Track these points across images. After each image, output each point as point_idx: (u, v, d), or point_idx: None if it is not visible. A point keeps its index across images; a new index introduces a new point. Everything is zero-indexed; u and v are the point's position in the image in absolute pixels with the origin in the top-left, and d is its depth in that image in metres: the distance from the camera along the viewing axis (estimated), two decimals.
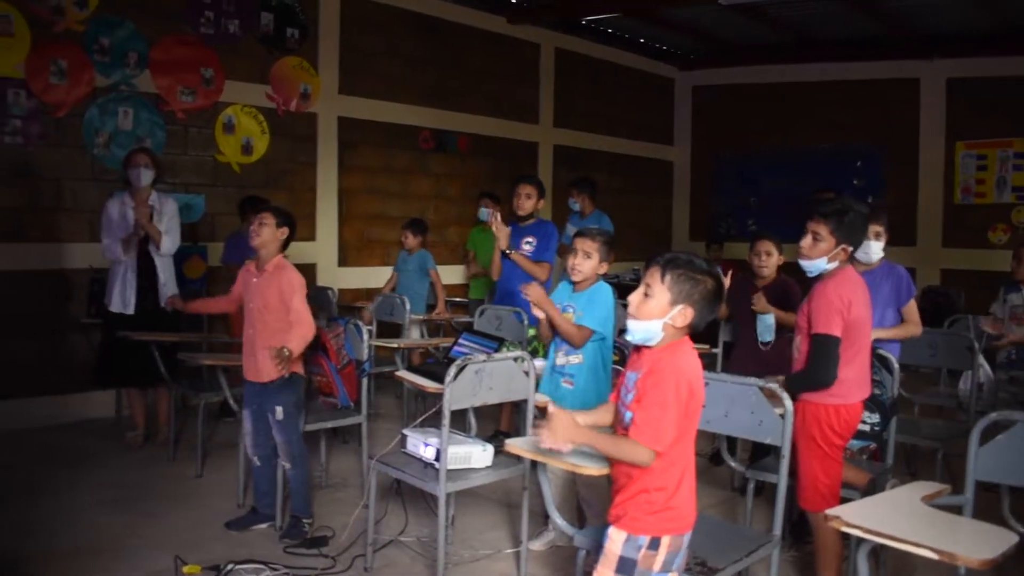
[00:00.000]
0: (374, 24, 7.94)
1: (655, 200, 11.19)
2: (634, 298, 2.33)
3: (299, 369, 4.08)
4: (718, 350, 5.69)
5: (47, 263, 6.03)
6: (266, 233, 3.97)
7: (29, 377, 5.98)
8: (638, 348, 2.38)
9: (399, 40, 8.14)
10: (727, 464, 4.09)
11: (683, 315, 2.27)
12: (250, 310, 4.02)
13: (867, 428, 3.88)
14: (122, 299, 5.32)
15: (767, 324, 4.64)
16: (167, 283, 5.46)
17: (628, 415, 2.30)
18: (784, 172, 10.49)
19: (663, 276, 2.29)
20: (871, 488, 3.48)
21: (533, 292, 3.72)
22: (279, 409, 3.97)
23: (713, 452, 5.32)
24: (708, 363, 5.91)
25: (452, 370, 3.38)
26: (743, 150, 10.88)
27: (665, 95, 11.28)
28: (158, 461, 5.15)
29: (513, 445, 2.82)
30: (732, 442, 3.92)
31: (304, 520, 4.03)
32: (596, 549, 2.47)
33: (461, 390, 3.43)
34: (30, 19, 5.85)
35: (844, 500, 3.19)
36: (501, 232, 5.15)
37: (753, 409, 3.09)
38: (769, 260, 4.76)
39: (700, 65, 11.03)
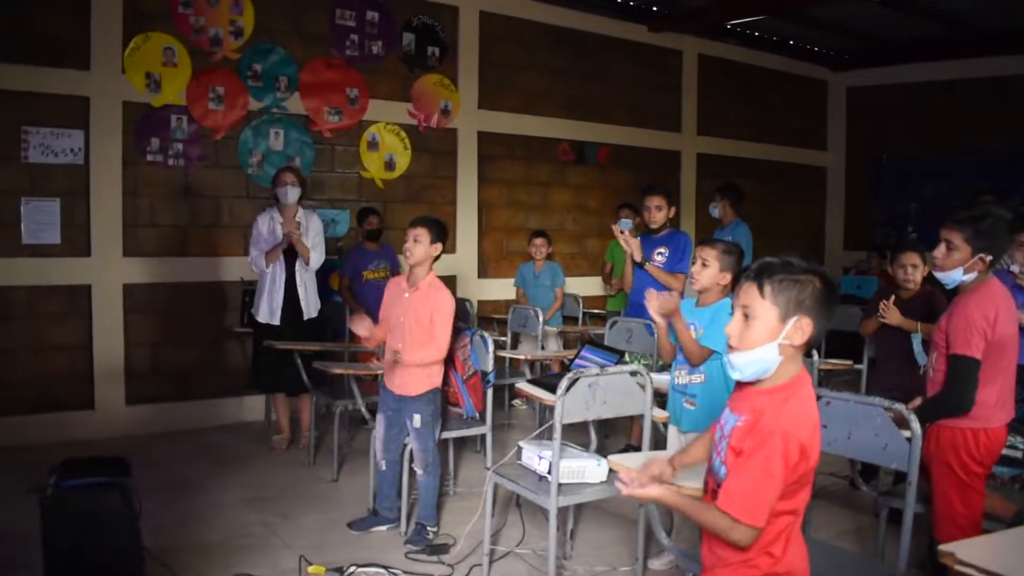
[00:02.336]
0: (513, 39, 8.06)
1: (807, 208, 10.73)
2: (732, 328, 1.97)
3: (438, 382, 4.18)
4: (862, 366, 5.41)
5: (206, 275, 6.48)
6: (420, 252, 4.03)
7: (190, 382, 6.45)
8: (740, 384, 2.04)
9: (538, 54, 8.23)
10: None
11: (800, 328, 1.91)
12: (400, 324, 4.10)
13: (1018, 454, 3.59)
14: (269, 309, 5.62)
15: (918, 342, 4.37)
16: (311, 296, 5.73)
17: (723, 471, 1.97)
18: (948, 176, 9.81)
19: (761, 290, 1.92)
20: (1018, 520, 3.20)
21: (661, 302, 3.58)
22: (417, 417, 4.09)
23: (859, 472, 5.04)
24: (851, 380, 5.69)
25: (563, 383, 3.37)
26: (903, 154, 10.27)
27: (817, 98, 10.82)
28: (298, 464, 5.42)
29: (615, 461, 2.78)
30: (872, 465, 3.70)
31: (429, 527, 4.13)
32: None
33: (574, 403, 3.42)
34: (191, 50, 6.32)
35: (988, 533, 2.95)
36: (632, 244, 5.11)
37: (877, 432, 2.91)
38: (915, 273, 4.49)
39: (854, 65, 10.49)
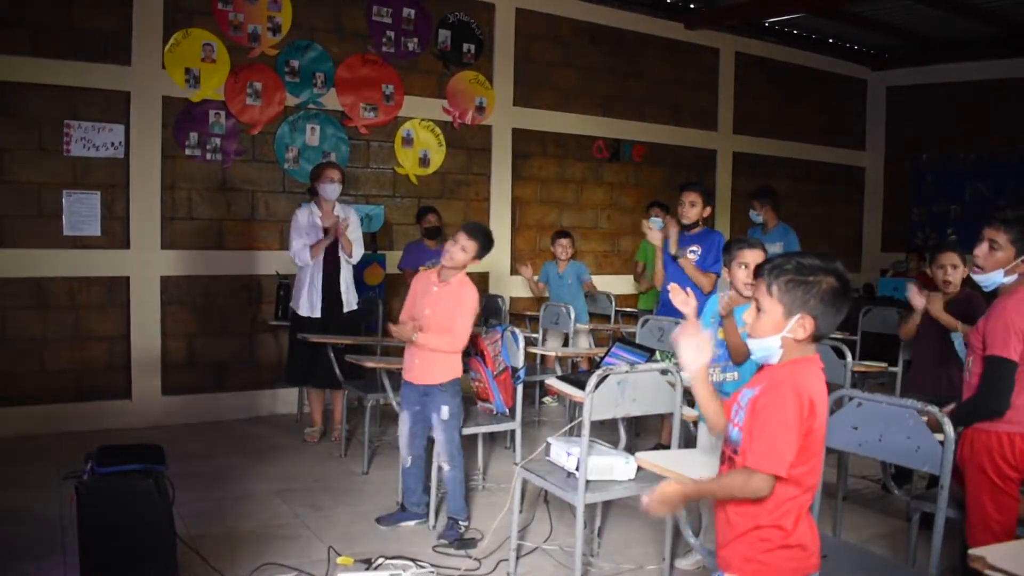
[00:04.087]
0: (549, 36, 8.05)
1: (844, 208, 10.59)
2: (748, 316, 2.18)
3: (460, 372, 4.21)
4: (898, 369, 5.35)
5: (241, 269, 6.56)
6: (461, 260, 4.09)
7: (224, 373, 6.54)
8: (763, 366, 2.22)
9: (574, 51, 8.21)
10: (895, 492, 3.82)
11: (802, 325, 2.07)
12: (425, 316, 4.14)
13: None
14: (309, 303, 5.67)
15: (960, 343, 4.29)
16: (351, 289, 5.80)
17: (735, 433, 2.13)
18: (990, 177, 9.65)
19: (769, 288, 2.10)
20: None
21: (723, 303, 3.61)
22: (445, 409, 4.11)
23: (892, 476, 4.98)
24: (886, 383, 5.63)
25: (593, 380, 3.37)
26: (943, 154, 10.11)
27: (855, 97, 10.67)
28: (330, 457, 5.47)
29: (644, 459, 2.78)
30: (906, 468, 3.65)
31: (460, 521, 4.15)
32: None
33: (603, 401, 3.41)
34: (230, 46, 6.41)
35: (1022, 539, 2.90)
36: (671, 233, 5.11)
37: (910, 434, 2.86)
38: (954, 273, 4.41)
39: (894, 64, 10.33)
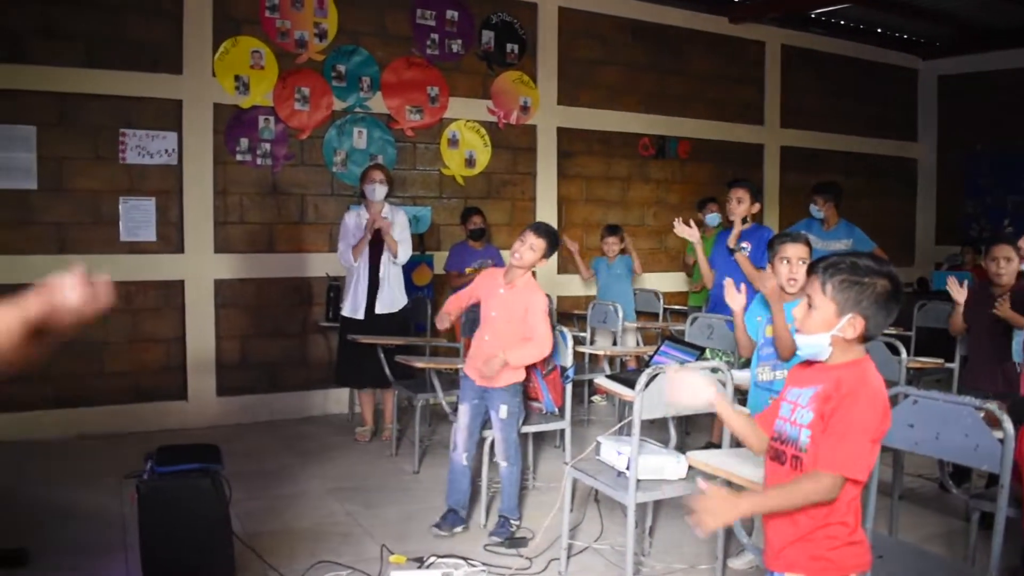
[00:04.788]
0: (592, 34, 8.04)
1: (896, 201, 10.39)
2: (798, 311, 2.16)
3: (521, 376, 4.22)
4: (954, 365, 5.24)
5: (292, 271, 6.67)
6: (529, 260, 4.05)
7: (277, 374, 6.66)
8: (808, 362, 2.21)
9: (617, 48, 8.19)
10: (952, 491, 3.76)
11: (852, 325, 2.06)
12: (492, 318, 4.14)
13: None
14: (353, 304, 5.74)
15: (1019, 340, 4.21)
16: (395, 290, 5.83)
17: (804, 435, 2.08)
18: None
19: (823, 286, 2.09)
20: None
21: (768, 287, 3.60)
22: (504, 408, 4.11)
23: (949, 475, 4.88)
24: (943, 379, 5.52)
25: (642, 379, 3.37)
26: (999, 144, 9.85)
27: (906, 87, 10.47)
28: (381, 456, 5.54)
29: (695, 458, 2.77)
30: (965, 466, 3.59)
31: (512, 520, 4.16)
32: None
33: (652, 399, 3.40)
34: (278, 53, 6.52)
35: None
36: (737, 225, 5.11)
37: (968, 432, 2.81)
38: (1008, 266, 4.32)
39: (946, 53, 10.10)
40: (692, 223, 5.23)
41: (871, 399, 2.01)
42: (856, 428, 1.99)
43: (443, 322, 4.27)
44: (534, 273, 4.18)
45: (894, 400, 2.96)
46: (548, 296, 6.80)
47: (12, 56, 5.68)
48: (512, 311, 4.08)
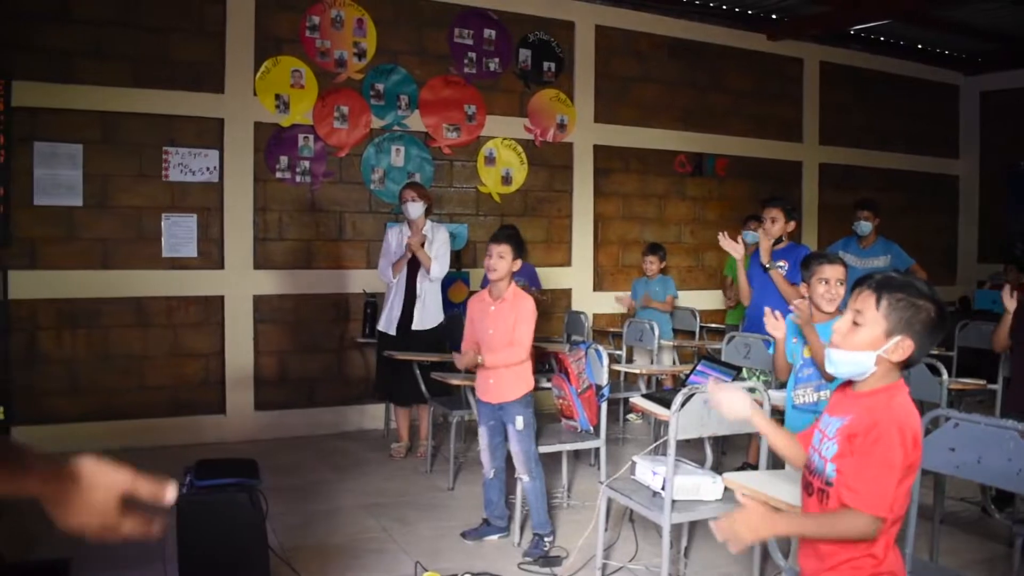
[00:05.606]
0: (629, 52, 8.05)
1: (937, 218, 10.23)
2: (841, 325, 2.04)
3: (531, 384, 4.24)
4: (997, 386, 5.14)
5: (330, 287, 6.75)
6: (504, 268, 4.13)
7: (314, 389, 6.71)
8: (843, 388, 2.13)
9: (654, 66, 8.19)
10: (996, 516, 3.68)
11: (901, 348, 1.96)
12: (488, 337, 4.20)
13: None
14: (387, 319, 5.78)
15: None
16: (429, 307, 5.85)
17: (830, 469, 2.01)
18: None
19: (878, 302, 1.98)
20: None
21: (797, 310, 3.59)
22: (519, 419, 4.13)
23: (992, 499, 4.78)
24: (985, 401, 5.41)
25: (678, 399, 3.35)
26: None
27: (947, 103, 10.33)
28: (416, 472, 5.56)
29: (731, 480, 2.75)
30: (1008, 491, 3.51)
31: (545, 537, 4.15)
32: None
33: (689, 419, 3.38)
34: (317, 72, 6.62)
35: None
36: (764, 242, 5.07)
37: (1011, 456, 2.75)
38: None
39: (989, 68, 9.95)
40: (739, 238, 5.21)
41: (897, 432, 1.92)
42: (881, 464, 1.91)
43: (465, 361, 4.22)
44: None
45: (935, 423, 2.92)
46: (583, 314, 6.87)
47: (62, 76, 5.83)
48: (506, 322, 4.14)
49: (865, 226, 6.36)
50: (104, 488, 1.24)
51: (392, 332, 5.74)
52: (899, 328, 1.97)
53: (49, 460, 1.19)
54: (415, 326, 5.76)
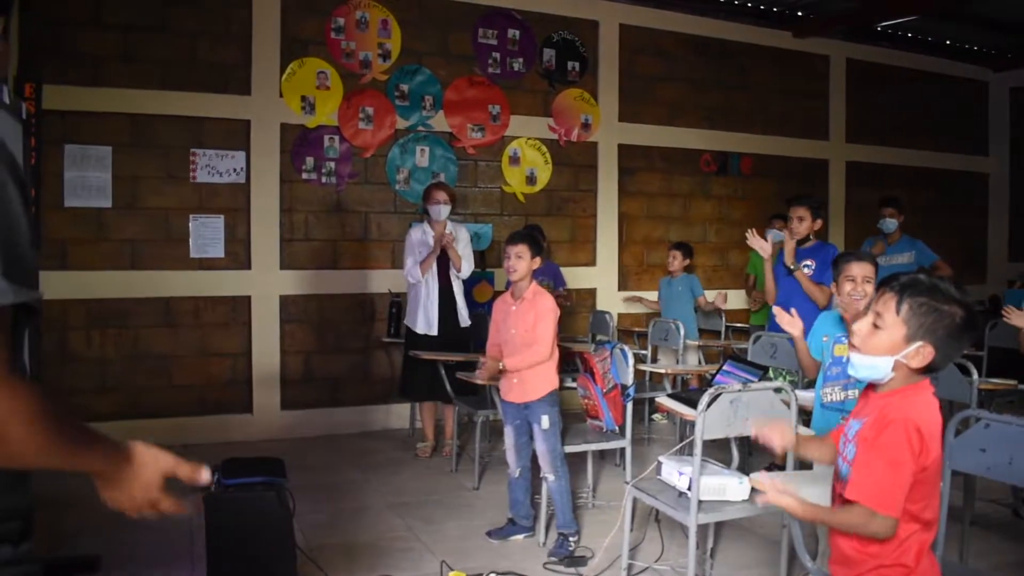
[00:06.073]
0: (653, 51, 8.02)
1: (967, 217, 10.08)
2: (861, 327, 2.00)
3: (556, 383, 4.24)
4: None
5: (355, 287, 6.78)
6: (523, 268, 4.15)
7: (340, 389, 6.75)
8: (867, 389, 2.08)
9: (679, 64, 8.16)
10: None
11: (920, 354, 1.91)
12: (511, 336, 4.22)
13: None
14: (426, 320, 5.80)
15: None
16: (463, 305, 5.90)
17: (845, 470, 1.99)
18: None
19: (899, 306, 1.92)
20: None
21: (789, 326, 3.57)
22: (545, 418, 4.14)
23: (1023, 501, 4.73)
24: (1015, 401, 5.34)
25: (704, 399, 3.34)
26: None
27: (977, 100, 10.18)
28: (441, 472, 5.57)
29: (757, 479, 2.72)
30: None
31: (570, 537, 4.15)
32: None
33: (715, 419, 3.37)
34: (342, 73, 6.66)
35: None
36: (787, 247, 5.04)
37: None
38: None
39: (1018, 64, 9.80)
40: (767, 236, 5.18)
41: (903, 430, 1.87)
42: (885, 461, 1.87)
43: (487, 373, 4.21)
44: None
45: (965, 424, 2.89)
46: (608, 313, 6.86)
47: (93, 80, 5.91)
48: (527, 322, 4.15)
49: (890, 223, 6.34)
50: (153, 469, 1.36)
51: (434, 332, 5.76)
52: (919, 334, 1.92)
53: (108, 440, 1.28)
54: (463, 324, 5.85)
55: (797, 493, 1.96)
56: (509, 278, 4.21)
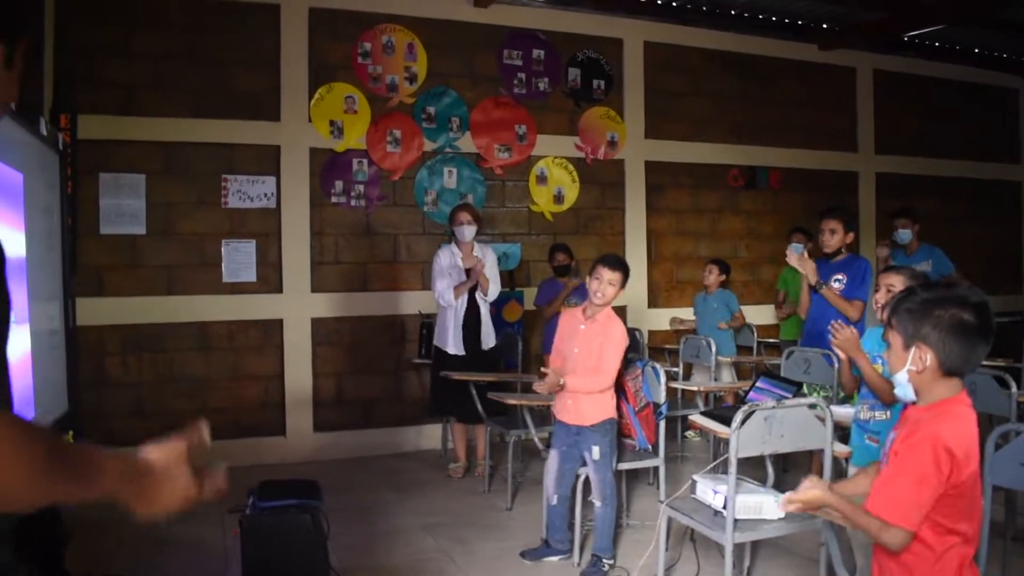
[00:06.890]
0: (678, 67, 8.02)
1: (1000, 226, 9.92)
2: (887, 352, 2.11)
3: (613, 413, 4.20)
4: None
5: (386, 309, 6.82)
6: (611, 295, 4.09)
7: (371, 410, 6.78)
8: (908, 405, 2.11)
9: (704, 80, 8.15)
10: None
11: (920, 357, 1.96)
12: (575, 355, 4.16)
13: None
14: (456, 342, 5.82)
15: None
16: (489, 326, 5.92)
17: None
18: None
19: (889, 319, 2.04)
20: None
21: (842, 333, 3.50)
22: (596, 449, 4.09)
23: None
24: None
25: (738, 416, 3.31)
26: None
27: (1007, 108, 10.06)
28: (474, 492, 5.57)
29: (791, 498, 2.69)
30: None
31: (605, 560, 4.12)
32: None
33: (749, 437, 3.34)
34: (370, 97, 6.74)
35: None
36: (807, 266, 4.96)
37: None
38: None
39: None
40: (788, 251, 5.11)
41: (930, 446, 1.88)
42: (907, 475, 1.90)
43: (547, 385, 4.08)
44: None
45: (1005, 438, 2.85)
46: (638, 331, 6.83)
47: (125, 109, 6.03)
48: (592, 345, 4.09)
49: (904, 234, 6.38)
50: (177, 467, 1.31)
51: (462, 352, 5.78)
52: (911, 340, 1.99)
53: (118, 456, 1.22)
54: (484, 346, 5.84)
55: (817, 492, 1.97)
56: (593, 299, 4.11)
